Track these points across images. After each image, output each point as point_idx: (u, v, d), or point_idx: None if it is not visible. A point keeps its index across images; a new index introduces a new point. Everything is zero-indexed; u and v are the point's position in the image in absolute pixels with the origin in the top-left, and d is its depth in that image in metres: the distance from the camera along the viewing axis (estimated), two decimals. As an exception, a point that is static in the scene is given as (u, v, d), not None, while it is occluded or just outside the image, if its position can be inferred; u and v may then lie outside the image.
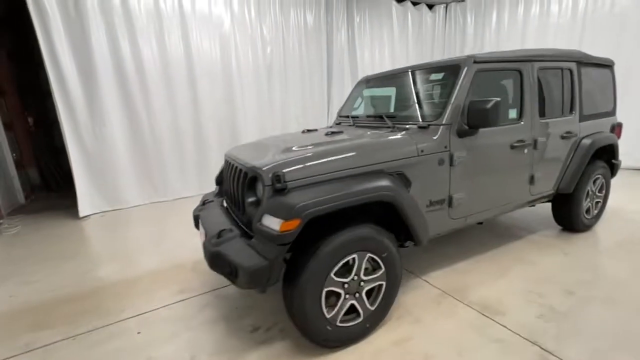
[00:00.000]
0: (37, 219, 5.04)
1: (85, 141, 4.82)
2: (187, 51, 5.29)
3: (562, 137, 2.99)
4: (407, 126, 2.42)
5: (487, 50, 7.47)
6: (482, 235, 3.52)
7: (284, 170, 1.84)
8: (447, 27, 8.20)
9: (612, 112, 3.56)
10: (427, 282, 2.67)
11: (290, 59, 6.30)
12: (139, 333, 2.23)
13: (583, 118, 3.16)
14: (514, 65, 2.65)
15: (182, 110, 5.42)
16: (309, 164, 1.93)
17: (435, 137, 2.28)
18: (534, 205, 3.53)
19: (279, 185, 1.80)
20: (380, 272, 2.02)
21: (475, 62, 2.42)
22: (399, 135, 2.28)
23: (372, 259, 1.98)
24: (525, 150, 2.73)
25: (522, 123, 2.71)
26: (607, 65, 3.45)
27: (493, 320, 2.17)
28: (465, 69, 2.39)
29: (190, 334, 2.19)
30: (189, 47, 5.29)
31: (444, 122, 2.31)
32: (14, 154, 6.22)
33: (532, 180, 2.88)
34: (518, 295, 2.42)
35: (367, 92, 3.35)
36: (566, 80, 3.02)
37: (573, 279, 2.60)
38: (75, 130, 4.73)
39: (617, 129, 3.62)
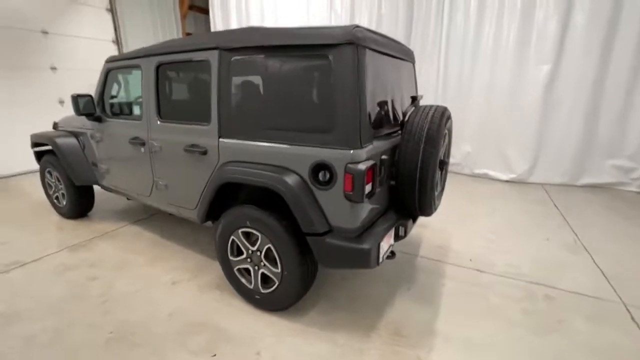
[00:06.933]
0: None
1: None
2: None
3: (186, 150, 2.35)
4: None
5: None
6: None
7: None
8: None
9: (331, 140, 1.76)
10: None
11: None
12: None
13: (230, 134, 2.12)
14: (134, 62, 2.74)
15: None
16: None
17: None
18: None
19: None
20: None
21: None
22: None
23: None
24: (142, 150, 2.75)
25: (141, 121, 2.74)
26: (321, 45, 1.72)
27: None
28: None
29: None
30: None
31: None
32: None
33: (155, 184, 2.76)
34: None
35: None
36: (199, 76, 2.33)
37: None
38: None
39: (346, 177, 1.70)
